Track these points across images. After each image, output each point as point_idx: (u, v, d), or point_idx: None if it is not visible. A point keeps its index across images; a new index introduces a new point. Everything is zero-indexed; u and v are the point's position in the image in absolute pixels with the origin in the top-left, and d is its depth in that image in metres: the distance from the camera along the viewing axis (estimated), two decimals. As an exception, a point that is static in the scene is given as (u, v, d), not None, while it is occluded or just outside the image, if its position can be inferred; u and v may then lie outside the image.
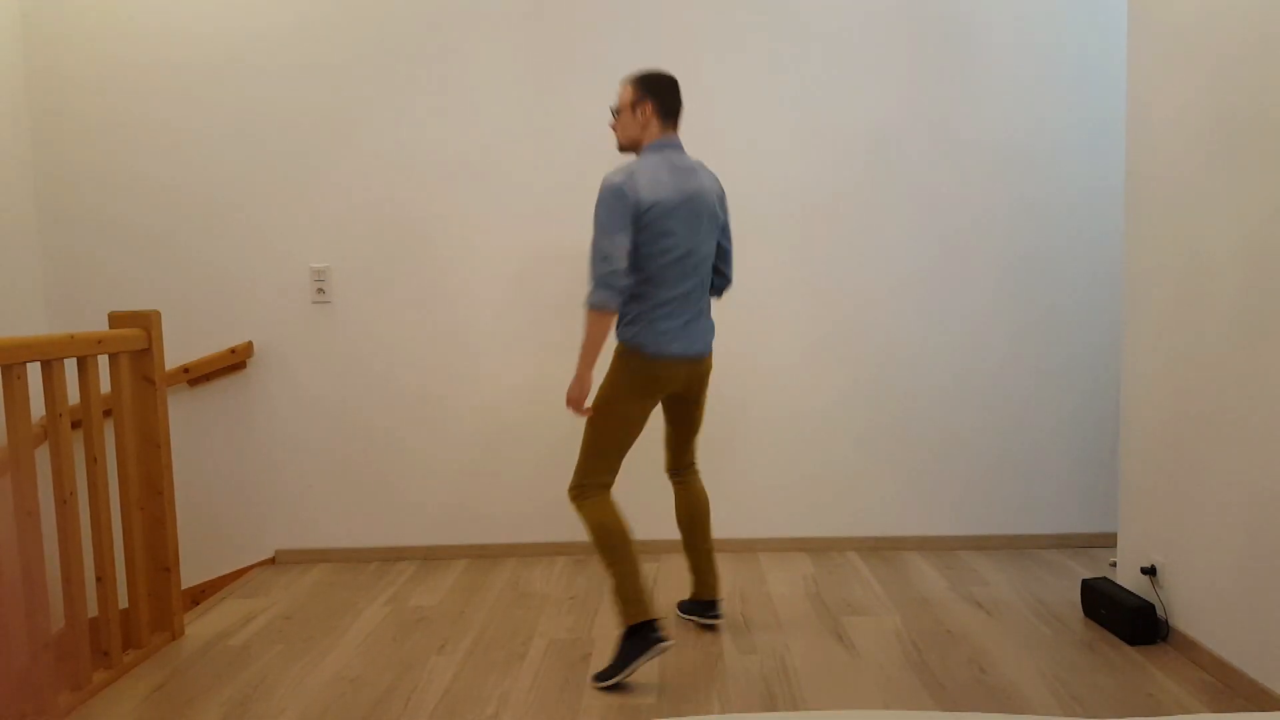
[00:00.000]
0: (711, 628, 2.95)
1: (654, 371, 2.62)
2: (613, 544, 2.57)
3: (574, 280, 3.70)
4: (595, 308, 2.52)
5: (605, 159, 3.61)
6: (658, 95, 2.64)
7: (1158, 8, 2.74)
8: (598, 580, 3.45)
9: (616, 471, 2.68)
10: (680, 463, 2.93)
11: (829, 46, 3.64)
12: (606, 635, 2.91)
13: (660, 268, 2.58)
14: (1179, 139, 2.64)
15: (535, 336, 3.72)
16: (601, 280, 2.51)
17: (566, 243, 3.69)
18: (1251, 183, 2.34)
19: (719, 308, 3.70)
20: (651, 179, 2.55)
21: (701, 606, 2.96)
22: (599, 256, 2.52)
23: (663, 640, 2.53)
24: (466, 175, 3.66)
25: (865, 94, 3.65)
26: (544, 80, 3.65)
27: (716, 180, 2.75)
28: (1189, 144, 2.60)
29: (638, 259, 2.58)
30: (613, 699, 2.45)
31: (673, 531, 3.75)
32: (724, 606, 3.13)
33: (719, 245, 2.79)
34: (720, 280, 2.85)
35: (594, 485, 2.64)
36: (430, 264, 3.71)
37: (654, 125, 2.65)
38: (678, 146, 2.66)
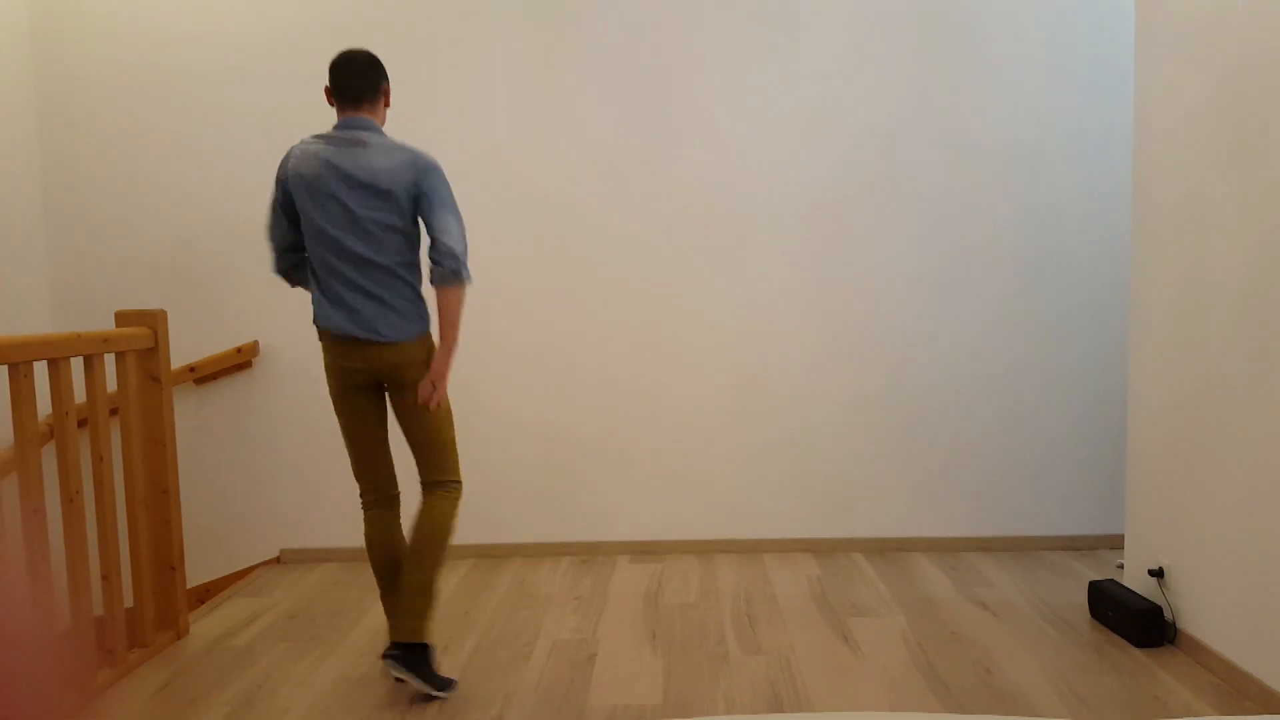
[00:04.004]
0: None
1: (327, 353, 2.57)
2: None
3: (581, 282, 3.70)
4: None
5: (608, 159, 3.61)
6: (329, 76, 2.55)
7: (1165, 15, 2.73)
8: (603, 580, 3.44)
9: None
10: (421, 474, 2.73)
11: (838, 51, 3.63)
12: (611, 636, 2.90)
13: (309, 243, 2.51)
14: (1185, 146, 2.63)
15: (537, 335, 3.72)
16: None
17: (574, 245, 3.69)
18: (1257, 190, 2.32)
19: (724, 312, 3.69)
20: (302, 154, 2.48)
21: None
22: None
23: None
24: (473, 176, 3.65)
25: (874, 98, 3.64)
26: (553, 80, 3.65)
27: (412, 158, 2.48)
28: (1195, 151, 2.59)
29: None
30: (617, 699, 2.44)
31: (672, 532, 3.77)
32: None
33: (431, 223, 2.48)
34: (435, 255, 2.45)
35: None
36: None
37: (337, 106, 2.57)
38: (359, 125, 2.50)
